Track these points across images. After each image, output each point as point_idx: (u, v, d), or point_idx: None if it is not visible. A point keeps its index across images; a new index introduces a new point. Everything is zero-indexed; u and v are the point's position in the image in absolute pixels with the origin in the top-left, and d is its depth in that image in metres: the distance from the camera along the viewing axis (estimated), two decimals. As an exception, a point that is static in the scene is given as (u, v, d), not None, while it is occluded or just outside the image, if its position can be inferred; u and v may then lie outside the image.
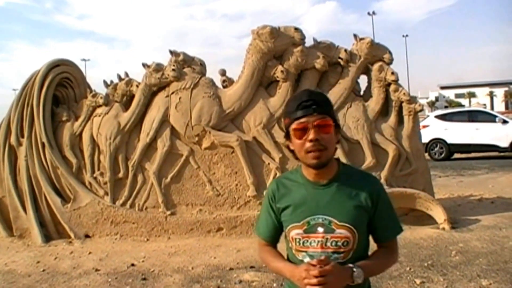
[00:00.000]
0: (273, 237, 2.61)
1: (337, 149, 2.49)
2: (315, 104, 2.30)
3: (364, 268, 2.28)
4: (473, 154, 20.41)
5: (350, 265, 2.26)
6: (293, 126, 2.34)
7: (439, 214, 8.11)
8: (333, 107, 2.44)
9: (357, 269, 2.25)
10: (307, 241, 2.37)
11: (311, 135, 2.29)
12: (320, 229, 2.34)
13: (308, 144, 2.31)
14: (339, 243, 2.31)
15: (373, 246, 2.51)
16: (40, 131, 9.01)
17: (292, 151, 2.43)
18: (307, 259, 2.35)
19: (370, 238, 2.50)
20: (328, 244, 2.32)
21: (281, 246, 2.60)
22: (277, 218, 2.52)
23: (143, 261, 7.35)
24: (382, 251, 2.49)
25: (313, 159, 2.32)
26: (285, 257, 2.54)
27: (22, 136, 9.15)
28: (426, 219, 8.23)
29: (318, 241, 2.34)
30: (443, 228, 7.95)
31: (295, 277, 2.29)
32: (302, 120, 2.30)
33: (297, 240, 2.40)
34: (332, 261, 2.22)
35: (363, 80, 9.19)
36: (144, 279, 6.62)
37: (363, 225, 2.38)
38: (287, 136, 2.42)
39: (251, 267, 6.74)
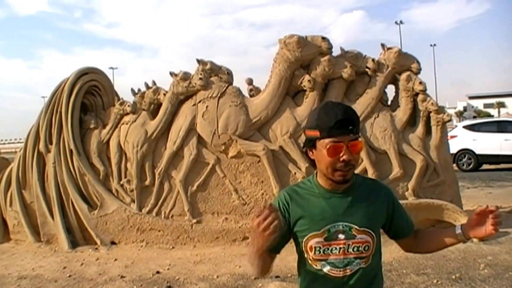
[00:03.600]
0: (276, 248, 2.45)
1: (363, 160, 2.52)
2: (351, 124, 2.28)
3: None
4: (502, 165, 20.09)
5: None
6: (328, 143, 2.29)
7: (467, 226, 7.98)
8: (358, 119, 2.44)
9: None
10: (328, 248, 2.37)
11: (345, 156, 2.28)
12: (341, 236, 2.36)
13: (339, 164, 2.30)
14: (361, 248, 2.37)
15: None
16: (68, 138, 9.11)
17: (312, 160, 2.43)
18: (326, 268, 2.39)
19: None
20: (350, 250, 2.36)
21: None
22: (288, 228, 2.44)
23: (168, 269, 7.39)
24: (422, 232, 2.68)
25: (340, 176, 2.33)
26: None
27: (51, 143, 9.26)
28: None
29: (340, 248, 2.36)
30: (471, 241, 7.84)
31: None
32: (338, 139, 2.27)
33: (317, 248, 2.39)
34: None
35: (390, 90, 9.12)
36: (169, 287, 6.66)
37: (379, 229, 2.48)
38: (309, 144, 2.39)
39: (276, 276, 6.71)
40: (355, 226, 2.35)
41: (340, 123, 2.26)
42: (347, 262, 2.35)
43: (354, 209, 2.39)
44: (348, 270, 2.36)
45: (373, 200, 2.45)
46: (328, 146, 2.29)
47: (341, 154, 2.28)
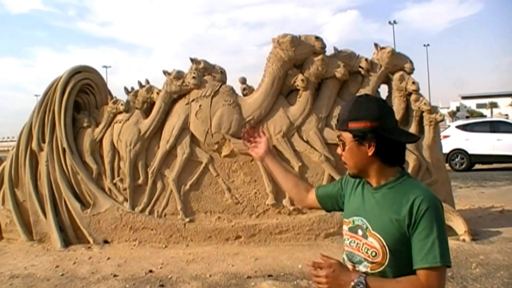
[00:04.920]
0: (320, 196, 2.75)
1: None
2: (337, 120, 2.39)
3: (370, 282, 2.16)
4: (494, 165, 20.20)
5: (356, 273, 2.21)
6: None
7: (459, 226, 8.03)
8: (358, 116, 2.28)
9: (360, 279, 2.16)
10: (348, 239, 2.39)
11: (338, 149, 2.43)
12: (360, 232, 2.33)
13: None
14: (369, 252, 2.26)
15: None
16: (61, 136, 9.09)
17: None
18: (345, 257, 2.40)
19: None
20: (363, 249, 2.29)
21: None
22: (338, 193, 2.63)
23: (161, 268, 7.38)
24: (409, 278, 2.18)
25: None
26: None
27: (44, 141, 9.23)
28: (446, 230, 8.12)
29: (357, 243, 2.33)
30: (464, 240, 7.87)
31: None
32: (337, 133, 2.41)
33: (344, 235, 2.45)
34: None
35: (383, 90, 9.15)
36: (162, 285, 6.65)
37: (400, 243, 2.19)
38: None
39: (269, 275, 6.72)
40: (370, 227, 2.28)
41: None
42: (358, 260, 2.31)
43: (376, 209, 2.30)
44: (356, 268, 2.30)
45: (400, 207, 2.20)
46: None
47: None
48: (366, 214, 2.32)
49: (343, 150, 2.35)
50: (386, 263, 2.21)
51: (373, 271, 2.24)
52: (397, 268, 2.21)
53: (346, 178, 2.60)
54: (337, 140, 2.38)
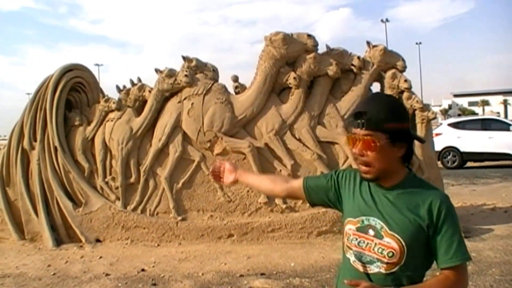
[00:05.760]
0: (309, 187, 2.65)
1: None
2: (361, 117, 2.25)
3: None
4: (486, 163, 20.22)
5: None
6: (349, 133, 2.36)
7: (451, 223, 8.03)
8: (397, 117, 2.26)
9: None
10: (356, 239, 2.34)
11: (354, 149, 2.31)
12: (371, 232, 2.29)
13: (355, 157, 2.35)
14: (384, 252, 2.23)
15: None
16: (52, 135, 9.05)
17: None
18: (352, 258, 2.35)
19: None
20: (375, 249, 2.26)
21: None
22: (329, 187, 2.55)
23: (153, 266, 7.36)
24: (438, 278, 2.24)
25: (361, 172, 2.34)
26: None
27: (35, 140, 9.19)
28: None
29: (367, 243, 2.29)
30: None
31: None
32: (353, 131, 2.30)
33: (349, 235, 2.38)
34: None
35: (376, 88, 9.13)
36: (154, 284, 6.63)
37: (417, 242, 2.22)
38: None
39: (262, 274, 6.72)
40: (386, 227, 2.25)
41: (355, 116, 2.28)
42: (369, 260, 2.27)
43: (392, 209, 2.27)
44: (368, 269, 2.28)
45: (418, 207, 2.24)
46: (347, 135, 2.38)
47: (355, 146, 2.31)
48: (379, 215, 2.29)
49: (373, 151, 2.24)
50: (402, 263, 2.22)
51: (387, 271, 2.24)
52: (410, 267, 2.23)
53: (342, 174, 2.54)
54: (360, 140, 2.26)
